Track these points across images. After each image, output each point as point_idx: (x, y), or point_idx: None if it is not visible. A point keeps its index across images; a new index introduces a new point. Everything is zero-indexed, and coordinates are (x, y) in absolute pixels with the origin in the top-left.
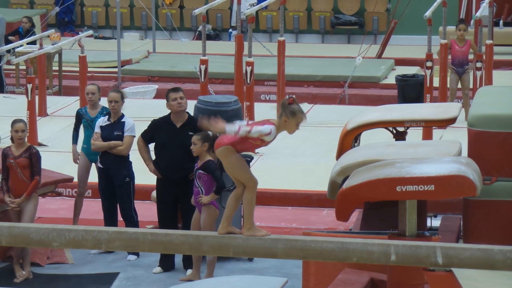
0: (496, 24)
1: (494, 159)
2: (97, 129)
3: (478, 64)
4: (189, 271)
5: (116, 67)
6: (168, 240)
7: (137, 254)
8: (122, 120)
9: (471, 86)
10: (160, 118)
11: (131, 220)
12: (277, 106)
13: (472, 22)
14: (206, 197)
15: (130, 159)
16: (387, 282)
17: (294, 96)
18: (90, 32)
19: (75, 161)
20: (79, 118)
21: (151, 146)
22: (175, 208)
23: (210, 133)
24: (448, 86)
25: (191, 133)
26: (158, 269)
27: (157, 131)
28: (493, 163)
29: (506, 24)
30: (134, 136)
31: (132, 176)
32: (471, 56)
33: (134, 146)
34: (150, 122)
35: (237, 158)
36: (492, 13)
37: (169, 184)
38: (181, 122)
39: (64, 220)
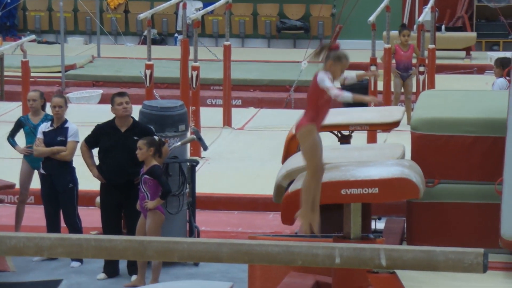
0: (438, 29)
1: (437, 162)
2: (39, 135)
3: (421, 68)
4: (134, 277)
5: (60, 72)
6: (112, 246)
7: (80, 260)
8: (66, 126)
9: (414, 90)
10: (104, 123)
11: (75, 226)
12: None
13: (415, 27)
14: (151, 202)
15: (74, 165)
16: (332, 285)
17: (338, 42)
18: (33, 36)
19: (26, 152)
20: (20, 126)
21: (95, 151)
22: (119, 213)
23: (156, 137)
24: (392, 90)
25: (136, 137)
26: (103, 275)
27: (101, 136)
28: (436, 165)
29: (448, 29)
30: (77, 142)
31: (75, 182)
32: (414, 60)
33: (78, 151)
34: (94, 127)
35: (317, 141)
36: (434, 18)
37: (113, 189)
38: (125, 126)
39: (6, 228)
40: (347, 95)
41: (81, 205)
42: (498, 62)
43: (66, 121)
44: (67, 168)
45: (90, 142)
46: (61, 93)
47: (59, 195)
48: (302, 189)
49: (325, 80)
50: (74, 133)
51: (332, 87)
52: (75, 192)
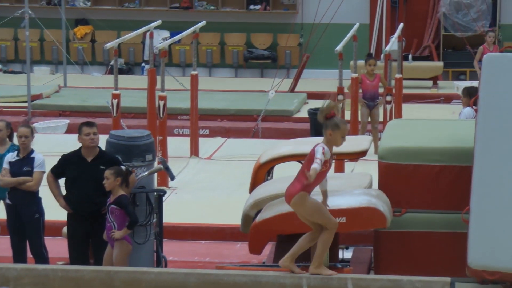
0: (405, 58)
1: (404, 191)
2: (5, 165)
3: (388, 98)
4: None
5: (26, 101)
6: (79, 276)
7: None
8: (32, 156)
9: (381, 120)
10: (70, 153)
11: (42, 256)
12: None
13: (382, 56)
14: (118, 232)
15: (40, 195)
16: None
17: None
18: None
19: None
20: None
21: (61, 181)
22: (86, 243)
23: (123, 167)
24: (359, 119)
25: (103, 167)
26: None
27: (67, 165)
28: (403, 195)
29: (415, 58)
30: (44, 172)
31: (41, 212)
32: (381, 90)
33: (44, 181)
34: (60, 157)
35: (313, 203)
36: (401, 47)
37: (80, 218)
38: (92, 156)
39: None
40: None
41: (48, 235)
42: (465, 91)
43: (32, 151)
44: (33, 198)
45: (56, 172)
46: (27, 123)
47: (25, 225)
48: (320, 243)
49: (319, 154)
50: (41, 163)
51: (317, 166)
52: (41, 222)
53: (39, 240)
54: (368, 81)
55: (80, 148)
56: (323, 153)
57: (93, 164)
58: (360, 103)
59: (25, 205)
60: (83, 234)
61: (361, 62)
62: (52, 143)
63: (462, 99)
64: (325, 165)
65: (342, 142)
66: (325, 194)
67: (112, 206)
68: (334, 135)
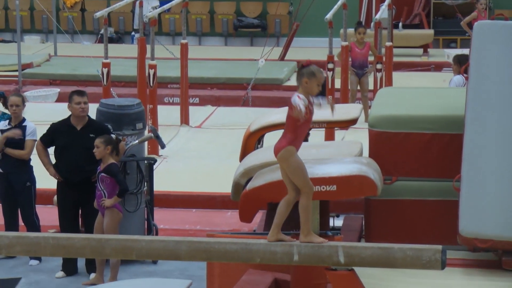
0: (396, 26)
1: (394, 159)
2: None
3: (378, 66)
4: (93, 275)
5: (16, 70)
6: (70, 244)
7: (39, 259)
8: (24, 124)
9: (370, 88)
10: (59, 122)
11: (33, 225)
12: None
13: (372, 24)
14: (109, 200)
15: (32, 164)
16: (290, 282)
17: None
18: None
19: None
20: None
21: (51, 150)
22: (76, 211)
23: (113, 135)
24: (349, 87)
25: (92, 135)
26: (61, 273)
27: (56, 134)
28: (393, 163)
29: (405, 27)
30: (35, 140)
31: (33, 181)
32: (370, 58)
33: (35, 150)
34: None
35: (298, 161)
36: (392, 15)
37: (70, 187)
38: (81, 124)
39: None
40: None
41: (39, 203)
42: (456, 59)
43: (24, 119)
44: (25, 166)
45: (46, 141)
46: (18, 92)
47: (16, 193)
48: (301, 210)
49: (296, 102)
50: (32, 132)
51: (301, 104)
52: (33, 190)
53: (30, 208)
54: (357, 49)
55: (69, 117)
56: (300, 98)
57: (83, 133)
58: (349, 71)
59: (17, 174)
60: (73, 202)
61: (351, 31)
62: (43, 112)
63: (452, 66)
64: (306, 112)
65: (318, 91)
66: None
67: (102, 174)
68: (310, 83)
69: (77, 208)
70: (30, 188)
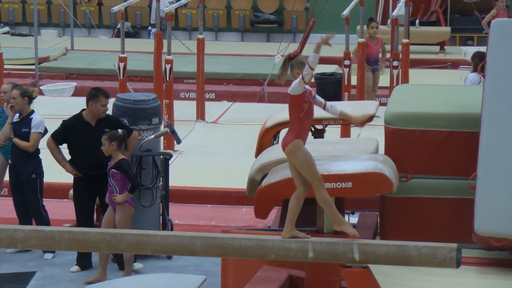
0: (412, 23)
1: (410, 157)
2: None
3: (395, 63)
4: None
5: (33, 64)
6: (85, 238)
7: (53, 252)
8: (30, 117)
9: (387, 85)
10: (71, 118)
11: (40, 217)
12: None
13: (388, 21)
14: (120, 196)
15: (41, 157)
16: (305, 279)
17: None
18: (7, 28)
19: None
20: None
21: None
22: (92, 205)
23: (119, 131)
24: (366, 84)
25: (108, 129)
26: (75, 267)
27: (70, 131)
28: (409, 160)
29: (422, 24)
30: (40, 133)
31: (39, 173)
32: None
33: (43, 144)
34: (61, 123)
35: (306, 153)
36: (409, 12)
37: (88, 182)
38: (96, 119)
39: None
40: (312, 60)
41: (55, 197)
42: (476, 55)
43: (32, 112)
44: (31, 158)
45: (59, 138)
46: (18, 85)
47: (22, 185)
48: (321, 204)
49: (293, 85)
50: (37, 124)
51: (299, 79)
52: (39, 183)
53: (36, 200)
54: (372, 45)
55: (81, 113)
56: (300, 80)
57: (98, 128)
58: (365, 68)
59: (23, 165)
60: (91, 196)
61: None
62: (59, 106)
63: (472, 63)
64: (305, 102)
65: (311, 78)
66: (342, 114)
67: (113, 170)
68: (302, 72)
69: (93, 202)
70: (35, 180)
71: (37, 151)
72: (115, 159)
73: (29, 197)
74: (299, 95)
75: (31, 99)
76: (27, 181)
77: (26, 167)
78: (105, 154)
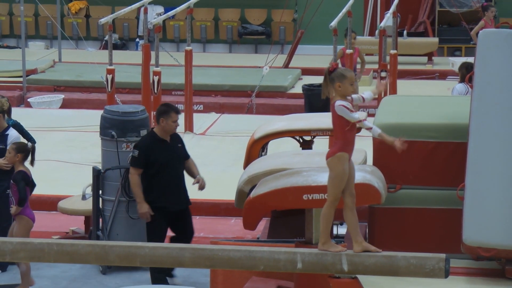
0: (400, 34)
1: (398, 167)
2: None
3: (383, 74)
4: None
5: (21, 76)
6: (74, 250)
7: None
8: (6, 133)
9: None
10: (146, 139)
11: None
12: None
13: (376, 32)
14: (13, 208)
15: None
16: None
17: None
18: None
19: None
20: None
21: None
22: (167, 224)
23: (29, 144)
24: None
25: (180, 145)
26: None
27: (150, 152)
28: (397, 171)
29: (410, 34)
30: None
31: None
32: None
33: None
34: (136, 148)
35: (343, 171)
36: (396, 23)
37: (168, 201)
38: (168, 135)
39: None
40: (369, 126)
41: (43, 209)
42: (463, 66)
43: (7, 128)
44: (6, 174)
45: (140, 164)
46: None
47: None
48: (322, 219)
49: (344, 110)
50: (13, 141)
51: (354, 116)
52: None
53: (6, 216)
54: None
55: (153, 131)
56: (344, 106)
57: (173, 144)
58: None
59: None
60: (167, 215)
61: (356, 38)
62: (46, 118)
63: (459, 73)
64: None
65: (353, 90)
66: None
67: (11, 181)
68: (343, 85)
69: (166, 228)
70: (7, 197)
71: (13, 168)
72: (15, 170)
73: (1, 213)
74: None
75: (3, 112)
76: (1, 196)
77: (1, 182)
78: (8, 162)
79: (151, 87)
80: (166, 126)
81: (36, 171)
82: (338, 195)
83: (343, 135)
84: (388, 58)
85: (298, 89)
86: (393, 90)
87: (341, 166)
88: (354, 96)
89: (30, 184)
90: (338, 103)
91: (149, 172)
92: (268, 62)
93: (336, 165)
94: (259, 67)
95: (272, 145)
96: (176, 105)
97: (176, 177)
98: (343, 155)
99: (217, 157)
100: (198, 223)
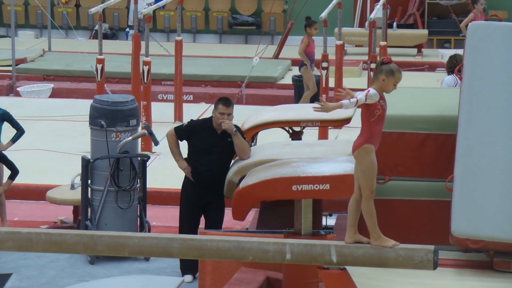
0: (390, 26)
1: (388, 159)
2: None
3: (372, 65)
4: (188, 277)
5: (10, 65)
6: (62, 240)
7: None
8: None
9: (364, 87)
10: (201, 121)
11: None
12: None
13: (366, 23)
14: None
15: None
16: (282, 281)
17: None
18: None
19: None
20: None
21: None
22: (199, 215)
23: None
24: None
25: (230, 139)
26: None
27: (196, 133)
28: (387, 162)
29: (399, 26)
30: None
31: None
32: None
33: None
34: (189, 121)
35: (372, 162)
36: (386, 15)
37: (200, 188)
38: (220, 128)
39: None
40: (347, 102)
41: (32, 199)
42: (452, 58)
43: None
44: None
45: (181, 135)
46: None
47: None
48: (365, 215)
49: (363, 93)
50: None
51: (352, 100)
52: None
53: None
54: (313, 45)
55: (211, 118)
56: (366, 95)
57: (223, 137)
58: (312, 67)
59: None
60: (198, 205)
61: (345, 30)
62: (36, 107)
63: (447, 65)
64: (378, 108)
65: (393, 90)
66: None
67: None
68: (387, 81)
69: (200, 212)
70: None
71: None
72: None
73: None
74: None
75: None
76: None
77: None
78: None
79: (141, 77)
80: (214, 117)
81: (25, 160)
82: (372, 187)
83: (369, 126)
84: (378, 49)
85: (288, 80)
86: None
87: (368, 157)
88: (359, 97)
89: None
90: (370, 88)
91: (190, 153)
92: (258, 53)
93: (364, 157)
94: (249, 57)
95: (262, 135)
96: (165, 95)
97: (214, 168)
98: (368, 147)
99: None
100: None
